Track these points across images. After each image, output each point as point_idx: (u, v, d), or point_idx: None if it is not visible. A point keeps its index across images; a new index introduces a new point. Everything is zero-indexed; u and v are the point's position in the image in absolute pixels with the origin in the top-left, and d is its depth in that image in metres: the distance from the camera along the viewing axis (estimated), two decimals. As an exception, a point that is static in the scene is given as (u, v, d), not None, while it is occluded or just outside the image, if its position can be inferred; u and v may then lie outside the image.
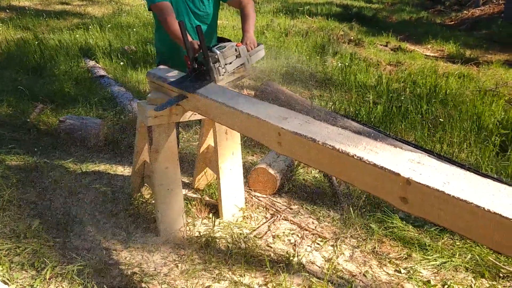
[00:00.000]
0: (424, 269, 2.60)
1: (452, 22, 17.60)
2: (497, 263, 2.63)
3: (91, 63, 6.54)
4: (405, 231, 2.92)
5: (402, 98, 5.61)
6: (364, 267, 2.61)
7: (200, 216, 2.96)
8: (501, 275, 2.58)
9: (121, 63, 6.41)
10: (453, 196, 1.27)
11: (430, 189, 1.33)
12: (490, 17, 16.95)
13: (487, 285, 2.49)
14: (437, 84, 6.40)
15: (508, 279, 2.56)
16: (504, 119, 4.70)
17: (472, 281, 2.52)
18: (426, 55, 10.84)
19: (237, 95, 2.17)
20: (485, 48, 12.15)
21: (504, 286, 2.50)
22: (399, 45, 11.19)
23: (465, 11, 18.63)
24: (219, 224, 2.89)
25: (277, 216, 3.01)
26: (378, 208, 3.20)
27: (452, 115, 5.05)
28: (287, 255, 2.61)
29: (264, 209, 3.11)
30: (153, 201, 3.05)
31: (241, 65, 2.43)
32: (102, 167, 3.61)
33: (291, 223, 2.98)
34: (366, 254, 2.73)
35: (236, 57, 2.40)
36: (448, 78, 7.49)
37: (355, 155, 1.58)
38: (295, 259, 2.58)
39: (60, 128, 3.88)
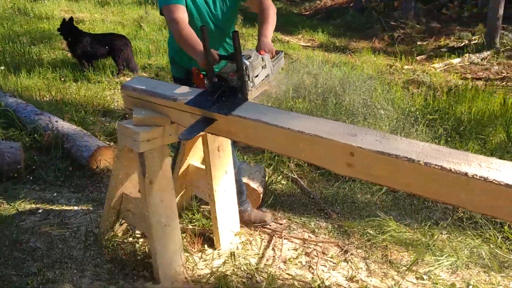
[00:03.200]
0: (441, 271, 2.56)
1: (307, 12, 18.52)
2: (500, 252, 2.69)
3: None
4: (402, 233, 2.86)
5: (319, 91, 5.60)
6: (387, 279, 2.47)
7: (194, 250, 2.53)
8: (506, 265, 2.65)
9: (1, 68, 5.36)
10: None
11: None
12: (341, 6, 18.21)
13: (500, 278, 2.53)
14: (342, 74, 6.56)
15: (513, 268, 2.64)
16: (427, 103, 4.96)
17: (487, 277, 2.54)
18: (302, 45, 11.22)
19: (282, 112, 1.84)
20: (348, 36, 13.00)
21: (513, 276, 2.56)
22: (275, 36, 11.35)
23: (317, 1, 19.67)
24: (220, 256, 2.50)
25: (275, 236, 2.72)
26: (363, 210, 3.10)
27: (369, 104, 5.18)
28: (312, 281, 2.35)
29: (257, 229, 2.79)
30: (131, 239, 2.54)
31: (265, 77, 2.06)
32: (40, 202, 2.91)
33: (292, 242, 2.71)
34: (380, 264, 2.59)
35: (262, 68, 2.02)
36: (341, 67, 7.78)
37: (476, 175, 1.39)
38: (322, 284, 2.34)
39: (-35, 158, 3.04)
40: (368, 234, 2.83)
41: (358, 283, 2.40)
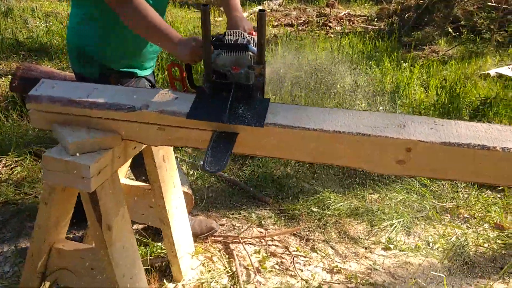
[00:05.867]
0: (399, 235, 2.52)
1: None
2: (433, 202, 2.79)
3: None
4: (342, 203, 2.74)
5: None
6: (360, 259, 2.33)
7: (153, 290, 1.97)
8: (438, 211, 2.76)
9: None
10: None
11: None
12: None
13: (443, 228, 2.62)
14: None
15: (446, 213, 2.76)
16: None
17: (433, 229, 2.60)
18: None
19: (316, 110, 1.41)
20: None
21: (450, 220, 2.68)
22: None
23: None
24: (187, 289, 2.00)
25: (228, 243, 2.31)
26: (291, 187, 2.88)
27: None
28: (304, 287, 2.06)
29: (206, 240, 2.33)
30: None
31: None
32: None
33: (250, 244, 2.34)
34: (344, 244, 2.43)
35: None
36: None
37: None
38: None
39: None
40: (314, 213, 2.63)
41: (341, 272, 2.20)
